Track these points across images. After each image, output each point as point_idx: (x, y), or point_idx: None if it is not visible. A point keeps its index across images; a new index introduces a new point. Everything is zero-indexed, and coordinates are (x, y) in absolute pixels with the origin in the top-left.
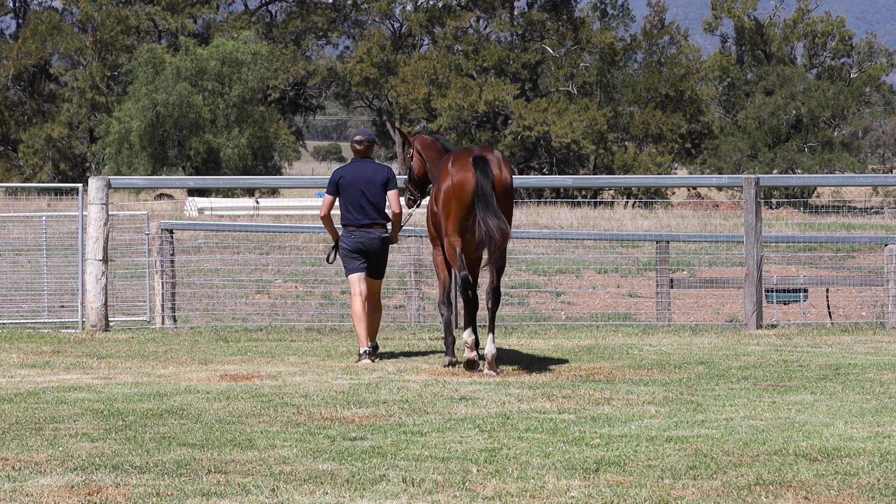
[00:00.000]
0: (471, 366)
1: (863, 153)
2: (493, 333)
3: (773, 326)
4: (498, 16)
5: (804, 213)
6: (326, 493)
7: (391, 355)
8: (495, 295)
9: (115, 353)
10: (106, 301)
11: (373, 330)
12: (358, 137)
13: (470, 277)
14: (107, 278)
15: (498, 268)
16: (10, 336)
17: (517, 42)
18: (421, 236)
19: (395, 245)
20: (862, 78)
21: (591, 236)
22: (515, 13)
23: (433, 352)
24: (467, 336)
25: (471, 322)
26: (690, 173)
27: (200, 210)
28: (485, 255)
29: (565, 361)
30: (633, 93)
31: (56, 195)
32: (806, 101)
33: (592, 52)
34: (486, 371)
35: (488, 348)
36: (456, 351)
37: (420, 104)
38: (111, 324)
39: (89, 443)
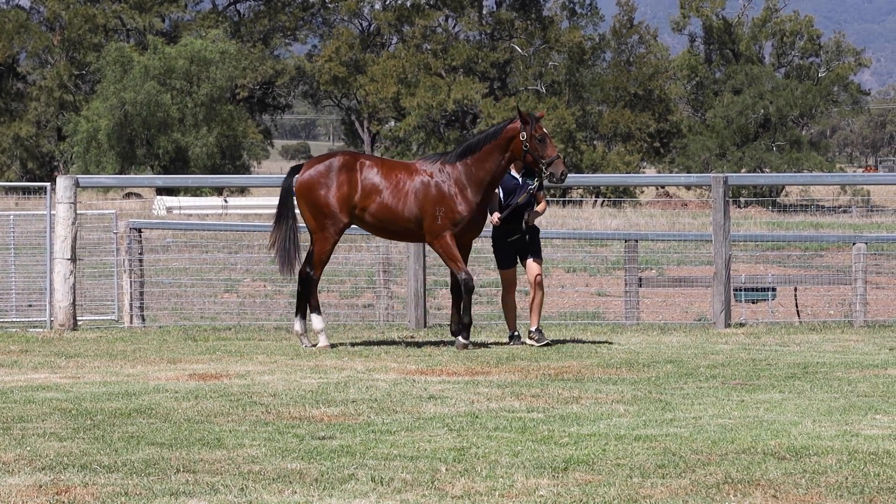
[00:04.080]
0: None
1: (831, 152)
2: (313, 313)
3: (742, 325)
4: (466, 15)
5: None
6: (295, 493)
7: (360, 354)
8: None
9: (84, 352)
10: (74, 300)
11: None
12: None
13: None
14: (75, 277)
15: (307, 255)
16: None
17: (486, 41)
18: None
19: (364, 245)
20: (830, 77)
21: (559, 235)
22: (484, 12)
23: (403, 346)
24: (297, 324)
25: (301, 309)
26: (659, 172)
27: (169, 209)
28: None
29: (534, 360)
30: (601, 92)
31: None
32: (774, 100)
33: (561, 51)
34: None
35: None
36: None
37: (389, 103)
38: (79, 323)
39: (57, 442)
